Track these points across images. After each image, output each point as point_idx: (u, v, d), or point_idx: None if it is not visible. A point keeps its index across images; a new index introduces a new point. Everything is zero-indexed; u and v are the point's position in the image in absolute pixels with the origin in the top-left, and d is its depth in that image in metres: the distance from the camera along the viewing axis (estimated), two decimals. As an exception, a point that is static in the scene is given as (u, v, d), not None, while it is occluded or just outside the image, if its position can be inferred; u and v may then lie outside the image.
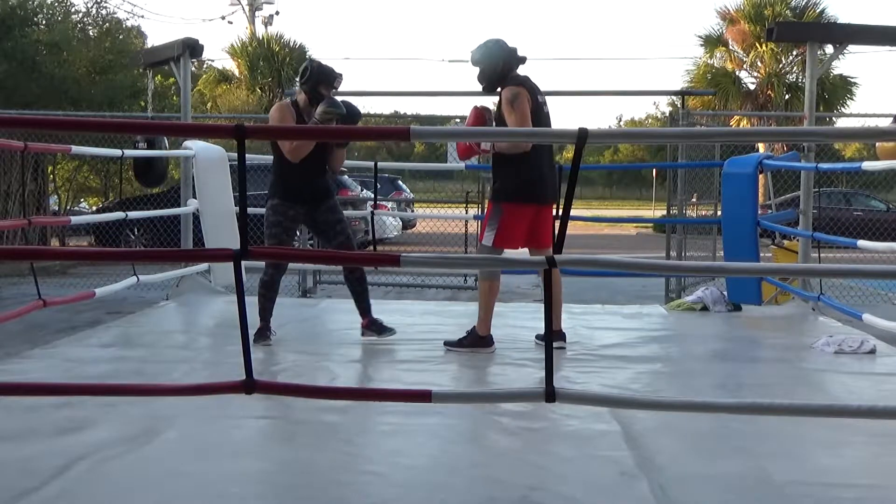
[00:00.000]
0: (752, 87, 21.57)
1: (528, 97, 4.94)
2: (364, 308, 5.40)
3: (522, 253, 5.14)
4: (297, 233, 5.53)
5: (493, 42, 5.09)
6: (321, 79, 5.18)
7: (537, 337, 5.27)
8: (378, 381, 4.50)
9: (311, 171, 5.26)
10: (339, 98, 5.24)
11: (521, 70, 5.14)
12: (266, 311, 5.26)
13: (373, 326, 5.38)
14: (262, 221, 5.33)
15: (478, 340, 5.09)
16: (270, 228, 5.27)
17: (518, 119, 4.87)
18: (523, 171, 4.96)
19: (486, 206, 8.76)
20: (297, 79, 5.31)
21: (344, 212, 5.61)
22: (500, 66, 5.02)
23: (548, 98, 5.20)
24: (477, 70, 5.10)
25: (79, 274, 11.05)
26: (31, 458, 3.19)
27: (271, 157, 5.35)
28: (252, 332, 4.64)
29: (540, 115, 5.01)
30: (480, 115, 5.11)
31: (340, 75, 5.24)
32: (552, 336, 4.84)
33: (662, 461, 3.26)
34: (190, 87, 7.68)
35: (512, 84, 4.97)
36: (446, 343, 5.16)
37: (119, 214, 6.64)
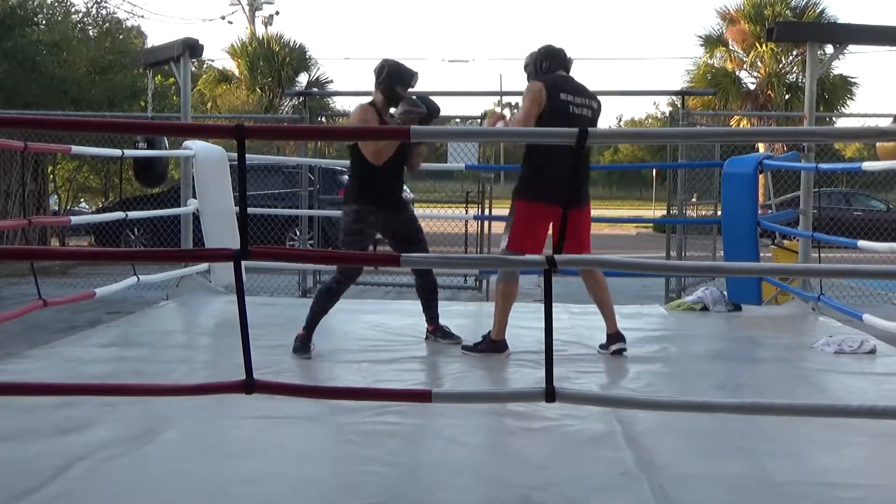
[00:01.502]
0: (752, 87, 21.57)
1: (546, 95, 4.83)
2: (433, 315, 5.40)
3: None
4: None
5: (543, 47, 5.11)
6: (398, 79, 5.06)
7: (600, 347, 5.17)
8: (378, 381, 4.50)
9: (392, 173, 5.15)
10: (415, 96, 5.11)
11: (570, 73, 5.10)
12: (315, 321, 5.06)
13: (438, 332, 5.38)
14: (263, 222, 5.31)
15: (491, 345, 5.04)
16: (352, 236, 5.08)
17: (520, 114, 4.87)
18: (539, 170, 4.89)
19: (485, 206, 8.82)
20: (375, 78, 5.12)
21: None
22: (540, 66, 5.03)
23: None
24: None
25: (79, 274, 11.05)
26: (31, 458, 3.19)
27: (271, 157, 5.34)
28: (258, 335, 4.52)
29: (559, 115, 4.80)
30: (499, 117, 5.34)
31: (417, 74, 5.12)
32: (612, 338, 5.00)
33: (662, 461, 3.26)
34: (190, 87, 7.67)
35: (537, 79, 4.96)
36: (463, 347, 5.14)
37: (119, 214, 6.64)
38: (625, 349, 5.04)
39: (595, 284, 5.11)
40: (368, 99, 5.19)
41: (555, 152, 4.79)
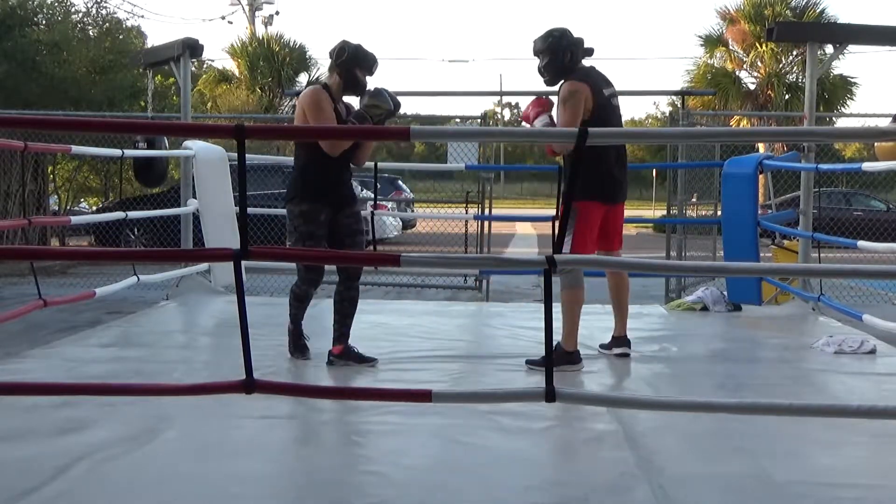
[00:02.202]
0: (752, 87, 21.57)
1: (591, 94, 4.61)
2: (345, 333, 4.81)
3: (523, 253, 5.13)
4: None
5: (558, 32, 4.71)
6: (358, 62, 4.67)
7: (601, 346, 5.11)
8: (378, 381, 4.50)
9: (341, 167, 4.73)
10: (373, 89, 4.72)
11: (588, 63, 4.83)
12: (298, 318, 4.84)
13: (349, 356, 4.79)
14: (263, 222, 5.25)
15: (563, 357, 4.64)
16: (304, 241, 4.65)
17: (567, 118, 4.55)
18: (593, 166, 4.59)
19: (485, 206, 8.82)
20: (332, 59, 4.72)
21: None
22: (566, 58, 4.67)
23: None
24: (538, 61, 4.74)
25: (79, 274, 11.05)
26: (31, 458, 3.19)
27: (271, 157, 5.28)
28: (258, 337, 4.30)
29: (607, 111, 4.68)
30: (541, 102, 4.82)
31: (377, 60, 4.76)
32: (617, 342, 4.91)
33: (662, 461, 3.26)
34: (190, 87, 7.67)
35: (575, 79, 4.64)
36: (528, 362, 4.73)
37: (119, 214, 6.64)
38: (628, 354, 4.95)
39: (620, 286, 5.00)
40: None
41: (607, 150, 4.64)
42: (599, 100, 4.65)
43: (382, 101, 4.61)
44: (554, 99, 4.87)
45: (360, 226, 4.91)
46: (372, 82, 4.77)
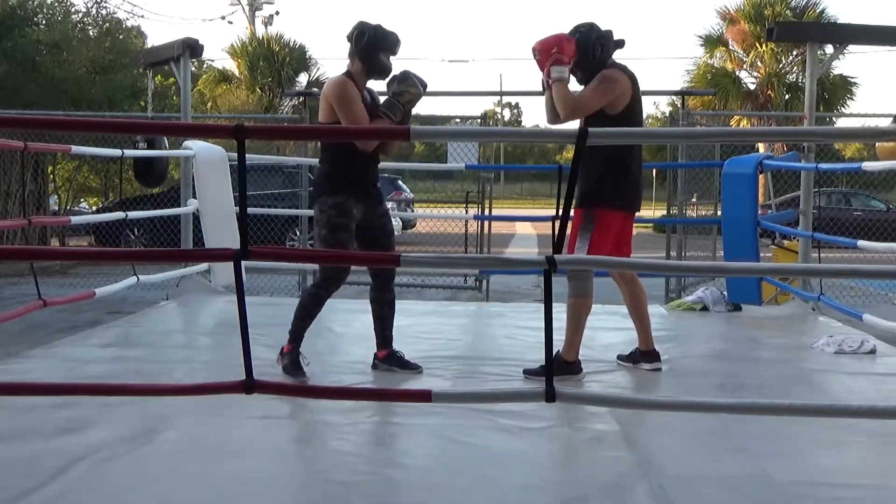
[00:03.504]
0: (752, 87, 21.57)
1: (630, 90, 4.32)
2: (388, 337, 4.68)
3: (523, 253, 5.12)
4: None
5: (584, 26, 4.41)
6: (381, 43, 4.38)
7: (619, 357, 4.86)
8: (378, 381, 4.49)
9: (370, 159, 4.53)
10: (400, 72, 4.48)
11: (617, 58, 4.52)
12: (302, 332, 4.53)
13: (392, 361, 4.66)
14: (263, 222, 5.22)
15: (564, 366, 4.44)
16: (335, 233, 4.39)
17: (590, 96, 4.23)
18: (619, 172, 4.40)
19: (485, 206, 8.82)
20: (352, 44, 4.42)
21: None
22: (597, 52, 4.36)
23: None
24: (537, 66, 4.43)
25: (79, 274, 11.05)
26: (31, 458, 3.19)
27: (271, 157, 5.26)
28: (255, 337, 4.00)
29: (639, 112, 4.44)
30: (562, 41, 4.29)
31: (400, 39, 4.46)
32: (645, 356, 4.72)
33: (662, 461, 3.26)
34: (190, 87, 7.67)
35: (616, 68, 4.36)
36: (526, 372, 4.52)
37: (119, 214, 6.64)
38: (660, 369, 4.69)
39: (635, 297, 4.73)
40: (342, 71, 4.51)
41: (633, 156, 4.43)
42: (636, 98, 4.38)
43: (411, 85, 4.36)
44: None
45: (391, 226, 4.72)
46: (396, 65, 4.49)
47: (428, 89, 4.53)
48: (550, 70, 4.30)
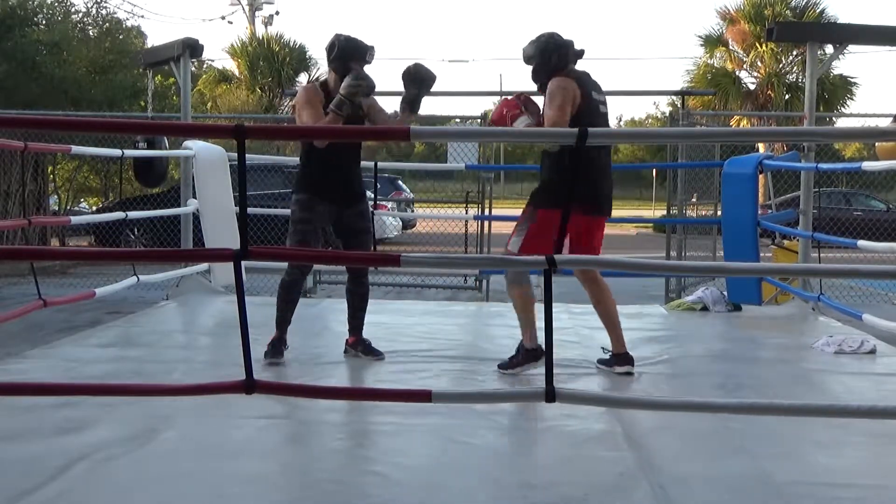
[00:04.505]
0: (752, 87, 21.59)
1: (579, 93, 4.44)
2: (357, 325, 5.00)
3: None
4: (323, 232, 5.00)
5: (545, 36, 4.59)
6: (351, 53, 4.63)
7: (599, 361, 4.79)
8: (378, 381, 4.50)
9: (343, 162, 4.77)
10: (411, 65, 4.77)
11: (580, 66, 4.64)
12: (284, 321, 4.85)
13: (359, 346, 4.99)
14: (263, 221, 5.27)
15: (527, 355, 4.61)
16: (296, 225, 4.76)
17: (556, 114, 4.35)
18: (594, 177, 4.48)
19: (485, 206, 8.82)
20: (326, 57, 4.73)
21: None
22: (553, 60, 4.52)
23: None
24: (530, 68, 4.59)
25: (79, 274, 11.05)
26: (31, 458, 3.19)
27: (271, 157, 5.31)
28: (257, 337, 4.20)
29: (595, 115, 4.48)
30: (512, 102, 4.57)
31: (372, 47, 4.67)
32: (617, 359, 4.67)
33: (662, 461, 3.26)
34: (190, 87, 7.67)
35: (562, 75, 4.48)
36: (499, 366, 4.69)
37: (119, 214, 6.64)
38: (632, 373, 4.64)
39: (601, 301, 4.71)
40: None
41: (594, 157, 4.47)
42: (587, 101, 4.47)
43: (363, 79, 4.53)
44: (539, 101, 4.64)
45: (364, 224, 4.95)
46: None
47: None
48: (516, 125, 4.51)
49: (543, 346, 4.45)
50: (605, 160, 4.64)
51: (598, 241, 4.69)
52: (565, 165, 4.38)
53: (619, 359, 4.68)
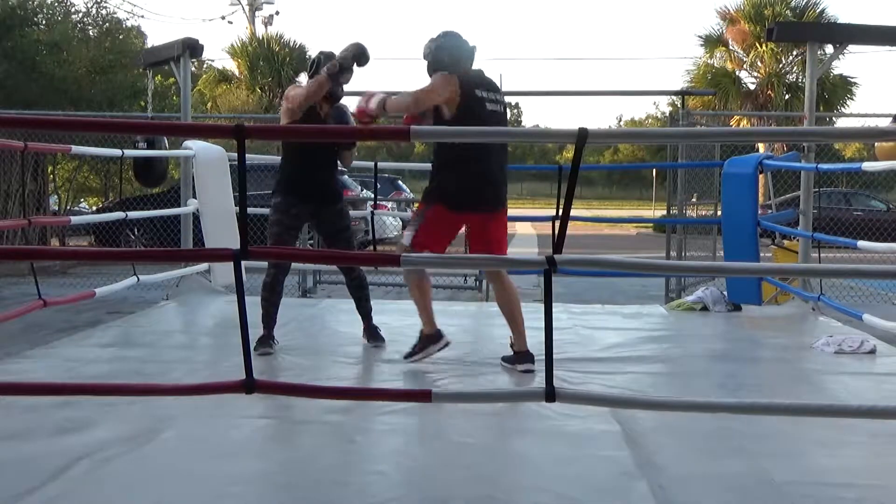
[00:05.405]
0: (752, 87, 21.60)
1: (459, 91, 4.48)
2: (365, 313, 5.32)
3: (523, 253, 5.11)
4: (300, 233, 5.27)
5: (442, 34, 4.69)
6: (323, 63, 4.99)
7: (503, 359, 4.78)
8: (378, 381, 4.49)
9: (318, 166, 5.09)
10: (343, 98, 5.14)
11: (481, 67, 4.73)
12: (269, 317, 5.06)
13: (366, 333, 5.31)
14: (263, 221, 5.30)
15: (426, 340, 4.79)
16: (272, 227, 5.07)
17: (412, 96, 4.52)
18: (465, 173, 4.53)
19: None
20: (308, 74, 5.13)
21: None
22: (444, 59, 4.60)
23: (549, 98, 4.98)
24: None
25: (79, 274, 11.05)
26: (31, 458, 3.19)
27: (272, 157, 5.34)
28: (254, 336, 4.38)
29: (477, 113, 4.49)
30: (361, 100, 4.78)
31: (349, 68, 4.95)
32: (518, 357, 4.66)
33: (662, 461, 3.26)
34: (190, 87, 7.67)
35: (449, 73, 4.55)
36: (404, 357, 4.81)
37: (119, 214, 6.63)
38: (532, 371, 4.57)
39: (504, 300, 4.72)
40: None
41: (481, 157, 4.52)
42: (467, 100, 4.49)
43: (353, 47, 4.89)
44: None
45: (343, 222, 5.24)
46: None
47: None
48: (376, 109, 4.67)
49: (441, 331, 4.75)
50: (492, 159, 4.61)
51: (494, 236, 4.72)
52: (447, 165, 4.60)
53: (521, 357, 4.66)
